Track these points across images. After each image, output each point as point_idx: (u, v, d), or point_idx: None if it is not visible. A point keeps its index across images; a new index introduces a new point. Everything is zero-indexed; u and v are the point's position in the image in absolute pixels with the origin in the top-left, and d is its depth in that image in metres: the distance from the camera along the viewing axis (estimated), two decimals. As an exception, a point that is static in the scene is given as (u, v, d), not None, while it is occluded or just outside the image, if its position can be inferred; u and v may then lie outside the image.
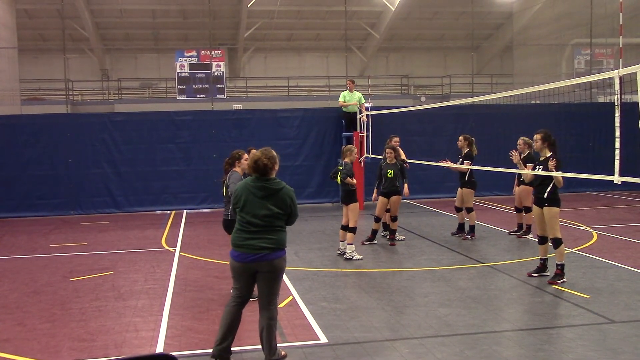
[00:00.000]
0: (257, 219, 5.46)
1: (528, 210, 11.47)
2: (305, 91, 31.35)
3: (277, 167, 5.63)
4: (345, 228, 10.24)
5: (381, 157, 12.37)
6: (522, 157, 11.17)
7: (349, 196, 10.20)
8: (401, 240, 11.63)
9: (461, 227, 11.99)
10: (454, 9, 30.19)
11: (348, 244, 10.18)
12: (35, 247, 12.20)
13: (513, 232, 12.08)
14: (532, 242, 11.25)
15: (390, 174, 11.03)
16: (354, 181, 10.19)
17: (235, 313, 5.69)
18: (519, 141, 11.32)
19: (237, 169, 7.96)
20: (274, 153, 5.63)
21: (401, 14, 29.26)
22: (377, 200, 11.52)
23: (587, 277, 8.56)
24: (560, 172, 8.32)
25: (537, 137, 8.51)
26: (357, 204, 10.25)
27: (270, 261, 5.44)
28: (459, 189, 11.85)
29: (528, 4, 27.85)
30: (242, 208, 5.53)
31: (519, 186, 11.68)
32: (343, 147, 11.20)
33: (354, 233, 10.19)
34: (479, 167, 11.41)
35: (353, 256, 10.09)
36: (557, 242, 8.25)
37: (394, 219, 11.33)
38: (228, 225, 7.86)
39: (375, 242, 11.47)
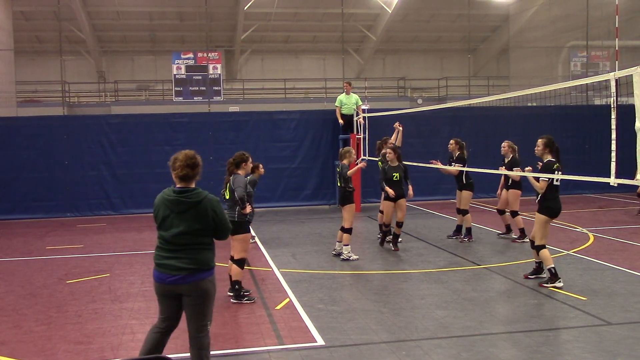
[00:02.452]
0: (175, 237, 4.76)
1: (515, 214, 11.56)
2: (302, 93, 31.38)
3: (199, 175, 4.97)
4: (346, 230, 10.24)
5: (376, 159, 12.38)
6: (505, 160, 11.34)
7: (345, 198, 10.21)
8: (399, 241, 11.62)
9: (459, 229, 12.01)
10: (451, 12, 30.27)
11: (344, 245, 10.23)
12: (31, 249, 12.16)
13: (502, 234, 12.11)
14: (528, 244, 11.25)
15: (397, 177, 10.77)
16: (360, 165, 10.83)
17: (157, 341, 4.98)
18: (504, 144, 11.49)
19: (241, 172, 7.93)
20: (200, 158, 5.00)
21: (398, 16, 29.31)
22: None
23: (584, 279, 8.57)
24: (552, 174, 8.30)
25: (539, 142, 8.51)
26: (353, 205, 10.24)
27: (190, 284, 4.74)
28: (458, 191, 11.87)
29: (524, 7, 27.93)
30: (159, 225, 4.85)
31: (507, 190, 11.71)
32: (341, 149, 11.10)
33: (350, 234, 10.23)
34: (470, 169, 11.44)
35: (350, 257, 10.13)
36: (537, 249, 8.32)
37: (400, 224, 10.90)
38: (233, 227, 7.83)
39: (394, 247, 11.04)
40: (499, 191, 11.97)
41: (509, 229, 11.99)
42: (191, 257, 4.74)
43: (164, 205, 4.85)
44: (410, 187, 11.04)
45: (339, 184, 10.38)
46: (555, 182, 8.34)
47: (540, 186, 8.26)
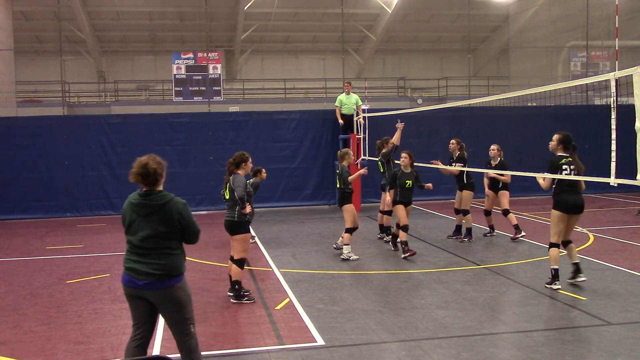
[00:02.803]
0: (142, 241, 4.68)
1: (507, 212, 11.74)
2: (302, 93, 31.38)
3: (165, 175, 4.89)
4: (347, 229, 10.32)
5: (376, 158, 12.38)
6: (493, 163, 11.56)
7: (344, 198, 10.29)
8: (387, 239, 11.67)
9: (458, 229, 12.01)
10: (451, 12, 30.28)
11: (345, 244, 10.29)
12: (31, 249, 12.17)
13: (488, 234, 12.20)
14: (528, 244, 11.27)
15: (409, 185, 10.49)
16: (361, 171, 10.83)
17: (136, 355, 4.80)
18: (494, 147, 11.71)
19: (241, 172, 7.92)
20: (164, 161, 4.93)
21: (398, 16, 29.32)
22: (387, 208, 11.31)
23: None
24: (553, 174, 8.28)
25: (555, 137, 8.28)
26: (352, 205, 10.32)
27: (159, 292, 4.65)
28: (458, 191, 11.89)
29: (524, 7, 27.93)
30: (127, 229, 4.78)
31: (495, 192, 11.82)
32: (340, 150, 11.05)
33: (351, 234, 10.28)
34: (471, 169, 11.47)
35: (350, 257, 10.17)
36: (549, 246, 8.22)
37: (405, 228, 10.47)
38: (233, 227, 7.85)
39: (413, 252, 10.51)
40: (487, 190, 12.02)
41: (492, 229, 12.21)
42: (159, 262, 4.66)
43: (130, 209, 4.77)
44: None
45: (338, 185, 10.43)
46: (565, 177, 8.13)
47: (543, 185, 8.19)
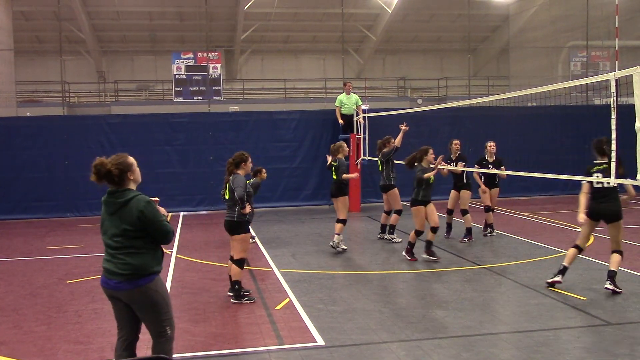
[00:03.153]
0: (111, 240, 4.66)
1: (489, 209, 12.08)
2: (302, 93, 31.38)
3: (133, 176, 4.76)
4: (340, 220, 10.78)
5: (376, 158, 12.41)
6: (490, 160, 11.81)
7: (340, 190, 10.75)
8: (398, 242, 11.63)
9: (449, 227, 12.15)
10: (451, 12, 30.28)
11: (336, 234, 10.74)
12: (31, 249, 12.17)
13: (488, 233, 12.24)
14: (528, 244, 11.27)
15: (432, 180, 10.07)
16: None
17: (126, 357, 4.77)
18: (492, 144, 12.00)
19: (241, 172, 7.92)
20: (129, 160, 4.78)
21: (398, 16, 29.32)
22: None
23: (584, 279, 8.57)
24: (552, 174, 8.28)
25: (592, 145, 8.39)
26: (346, 197, 10.86)
27: (127, 292, 4.61)
28: (453, 191, 11.93)
29: (524, 7, 27.94)
30: (101, 228, 4.78)
31: (490, 187, 12.05)
32: (333, 145, 11.22)
33: (344, 224, 10.75)
34: (475, 170, 11.51)
35: (339, 246, 10.72)
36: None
37: (434, 230, 10.02)
38: (232, 227, 7.84)
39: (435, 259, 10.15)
40: (483, 187, 12.06)
41: (492, 227, 12.31)
42: (125, 261, 4.59)
43: (103, 208, 4.78)
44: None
45: (334, 177, 10.78)
46: (595, 184, 8.05)
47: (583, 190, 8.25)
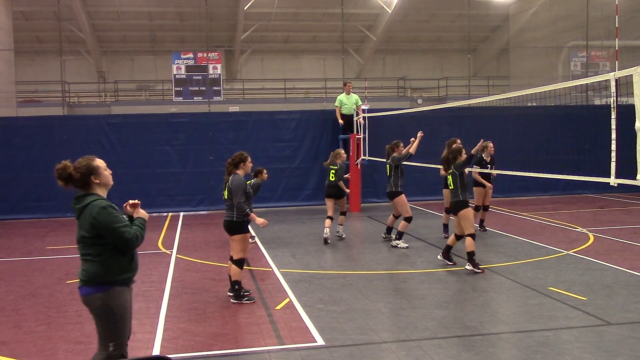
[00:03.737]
0: (77, 245, 4.67)
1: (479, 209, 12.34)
2: (302, 93, 31.38)
3: (99, 180, 4.63)
4: (343, 213, 12.24)
5: (377, 158, 12.42)
6: (488, 160, 12.15)
7: (340, 192, 11.90)
8: (404, 247, 11.08)
9: (446, 227, 12.22)
10: (451, 12, 30.27)
11: (340, 225, 12.18)
12: (31, 249, 12.16)
13: (482, 230, 12.49)
14: (528, 244, 11.26)
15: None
16: (346, 190, 12.14)
17: None
18: (492, 145, 12.24)
19: (240, 172, 7.91)
20: (94, 163, 4.62)
21: (398, 16, 29.31)
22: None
23: (584, 279, 8.57)
24: (552, 174, 8.28)
25: None
26: (344, 198, 12.13)
27: (82, 297, 4.60)
28: (446, 190, 12.02)
29: (524, 7, 27.93)
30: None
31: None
32: (333, 152, 11.93)
33: (345, 217, 12.32)
34: (483, 170, 11.53)
35: (342, 234, 12.16)
36: None
37: (460, 237, 9.53)
38: (231, 227, 7.84)
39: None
40: (489, 185, 12.28)
41: (482, 224, 12.51)
42: (84, 268, 4.55)
43: None
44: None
45: (332, 179, 11.78)
46: None
47: None
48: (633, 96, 6.38)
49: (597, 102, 21.91)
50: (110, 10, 28.08)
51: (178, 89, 22.27)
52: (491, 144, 12.08)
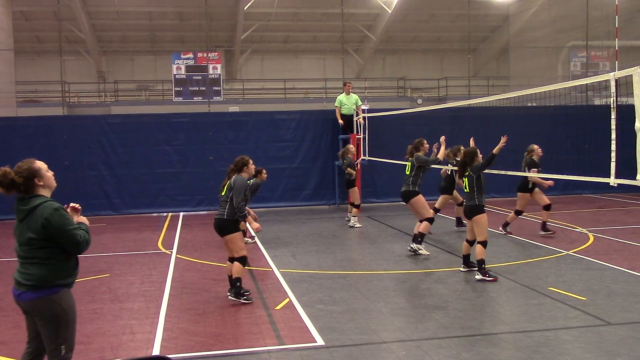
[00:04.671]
0: (18, 249, 4.49)
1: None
2: (302, 93, 31.38)
3: (43, 182, 4.54)
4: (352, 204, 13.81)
5: (377, 158, 12.40)
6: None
7: (349, 182, 13.87)
8: (425, 255, 10.28)
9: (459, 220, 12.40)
10: (451, 12, 30.26)
11: (353, 217, 13.68)
12: (31, 249, 12.14)
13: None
14: (528, 244, 11.27)
15: None
16: (353, 172, 13.68)
17: None
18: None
19: (244, 175, 7.88)
20: (35, 165, 4.56)
21: (398, 16, 29.31)
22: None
23: (584, 279, 8.57)
24: (552, 174, 8.29)
25: None
26: (356, 188, 13.89)
27: (28, 302, 4.39)
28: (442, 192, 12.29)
29: (524, 7, 27.93)
30: (14, 236, 4.60)
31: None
32: (343, 149, 13.70)
33: (359, 209, 13.85)
34: (530, 174, 11.38)
35: (355, 224, 13.56)
36: None
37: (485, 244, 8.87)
38: (222, 226, 7.76)
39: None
40: (549, 183, 11.85)
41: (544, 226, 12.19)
42: (29, 272, 4.38)
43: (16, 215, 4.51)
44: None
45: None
46: None
47: None
48: (633, 96, 6.38)
49: (597, 102, 21.94)
50: (110, 10, 28.08)
51: (178, 89, 22.27)
52: (536, 145, 11.66)
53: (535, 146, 11.91)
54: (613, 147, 7.07)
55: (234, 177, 7.82)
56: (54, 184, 4.61)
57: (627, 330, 6.42)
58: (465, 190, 8.94)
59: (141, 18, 29.34)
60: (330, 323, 6.82)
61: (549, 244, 11.14)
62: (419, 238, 10.36)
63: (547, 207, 11.96)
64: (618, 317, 6.86)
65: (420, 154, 10.61)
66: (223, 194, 7.89)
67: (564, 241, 11.40)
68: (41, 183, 4.50)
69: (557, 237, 11.88)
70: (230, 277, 7.92)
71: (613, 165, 7.20)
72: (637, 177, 6.58)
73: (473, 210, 8.76)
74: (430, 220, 10.44)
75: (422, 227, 10.41)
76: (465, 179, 8.93)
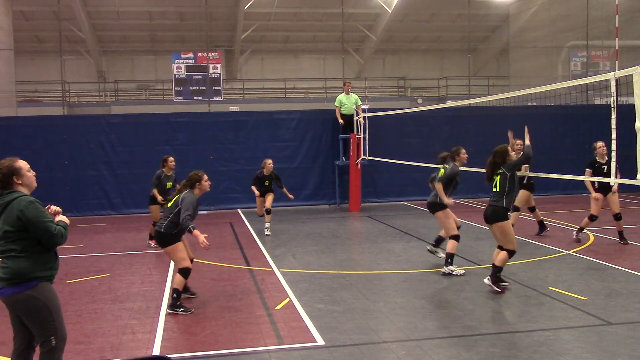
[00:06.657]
0: None
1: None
2: (302, 93, 31.38)
3: (22, 180, 4.56)
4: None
5: (377, 158, 12.37)
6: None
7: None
8: (460, 274, 9.04)
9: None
10: (451, 12, 30.25)
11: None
12: (31, 249, 12.14)
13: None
14: (528, 244, 11.26)
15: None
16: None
17: None
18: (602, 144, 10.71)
19: (196, 191, 7.64)
20: (16, 164, 4.56)
21: (398, 16, 29.31)
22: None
23: (584, 279, 8.57)
24: (552, 174, 8.28)
25: None
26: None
27: (8, 298, 4.48)
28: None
29: (524, 7, 27.92)
30: None
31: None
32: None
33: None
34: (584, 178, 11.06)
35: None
36: None
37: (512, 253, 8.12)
38: (162, 239, 7.61)
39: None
40: (595, 195, 11.36)
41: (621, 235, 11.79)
42: (6, 265, 4.45)
43: None
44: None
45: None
46: None
47: None
48: (633, 96, 6.38)
49: (597, 101, 21.91)
50: (110, 10, 28.07)
51: (178, 88, 22.27)
52: (600, 143, 10.81)
53: (600, 143, 10.88)
54: (613, 146, 7.07)
55: (183, 193, 7.60)
56: (34, 184, 4.70)
57: (627, 330, 6.42)
58: (494, 190, 8.15)
59: (141, 18, 29.33)
60: (331, 323, 6.82)
61: (549, 244, 11.15)
62: (449, 259, 9.16)
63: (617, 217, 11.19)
64: (618, 317, 6.86)
65: (457, 163, 9.49)
66: (170, 205, 7.70)
67: (564, 241, 11.40)
68: (20, 182, 4.56)
69: (558, 236, 11.87)
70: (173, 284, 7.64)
71: (613, 164, 7.20)
72: (637, 177, 6.58)
73: (497, 213, 7.97)
74: (457, 238, 9.36)
75: (449, 247, 9.28)
76: (497, 177, 8.16)
